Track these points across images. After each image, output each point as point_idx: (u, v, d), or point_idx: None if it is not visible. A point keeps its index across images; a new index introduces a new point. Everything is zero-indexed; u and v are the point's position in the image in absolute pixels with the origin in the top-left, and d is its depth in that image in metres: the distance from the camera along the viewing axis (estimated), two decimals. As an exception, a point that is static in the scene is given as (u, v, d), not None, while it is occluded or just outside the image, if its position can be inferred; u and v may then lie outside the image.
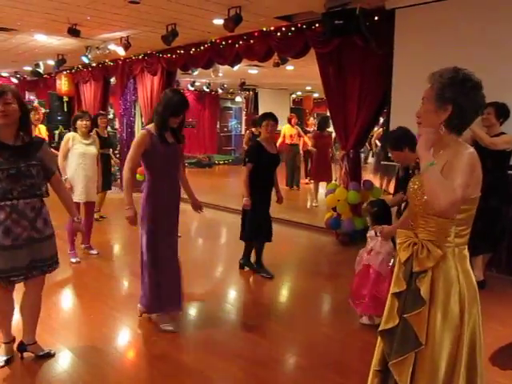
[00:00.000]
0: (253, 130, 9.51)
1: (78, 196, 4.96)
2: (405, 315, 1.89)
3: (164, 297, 3.42)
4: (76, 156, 4.98)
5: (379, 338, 2.06)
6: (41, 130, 6.56)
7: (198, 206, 3.76)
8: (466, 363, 1.85)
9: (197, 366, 3.01)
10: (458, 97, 1.79)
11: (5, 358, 2.88)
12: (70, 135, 5.09)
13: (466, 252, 1.91)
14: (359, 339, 3.39)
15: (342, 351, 3.26)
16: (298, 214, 7.47)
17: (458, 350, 1.85)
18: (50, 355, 2.99)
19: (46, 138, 6.71)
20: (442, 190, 1.70)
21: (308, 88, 16.19)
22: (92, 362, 3.02)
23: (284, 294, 4.52)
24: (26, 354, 2.97)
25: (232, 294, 4.45)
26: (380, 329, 2.03)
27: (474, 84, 1.81)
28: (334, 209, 5.89)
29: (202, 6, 5.56)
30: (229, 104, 19.08)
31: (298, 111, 16.80)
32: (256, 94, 16.14)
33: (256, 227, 4.56)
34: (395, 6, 4.95)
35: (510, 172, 4.03)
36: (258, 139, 4.62)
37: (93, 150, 5.11)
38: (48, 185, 2.83)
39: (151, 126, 3.28)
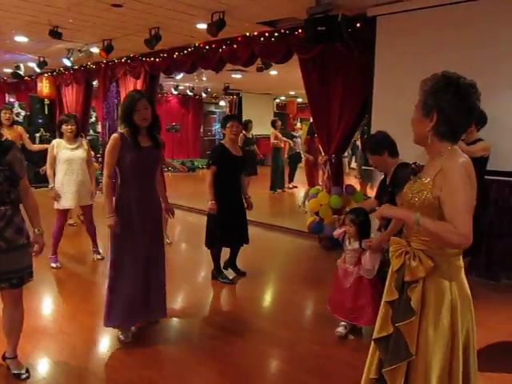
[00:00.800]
0: (244, 133, 9.47)
1: (68, 202, 4.92)
2: (396, 324, 1.88)
3: (134, 304, 3.28)
4: (62, 162, 4.88)
5: (372, 346, 2.05)
6: (18, 130, 6.43)
7: (169, 210, 3.68)
8: (462, 374, 1.84)
9: (178, 370, 2.99)
10: (440, 103, 1.76)
11: None
12: (54, 142, 5.02)
13: (461, 262, 1.89)
14: (342, 343, 3.41)
15: (324, 355, 3.26)
16: (281, 218, 7.50)
17: (452, 361, 1.83)
18: (19, 377, 2.79)
19: (26, 138, 6.57)
20: (450, 235, 1.69)
21: (292, 93, 16.29)
22: (72, 369, 2.97)
23: (265, 297, 4.52)
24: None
25: (211, 299, 4.42)
26: (374, 337, 2.02)
27: (458, 89, 1.75)
28: (317, 213, 5.93)
29: (185, 11, 5.55)
30: (213, 108, 19.08)
31: (282, 116, 16.89)
32: (240, 99, 16.16)
33: (223, 233, 4.44)
34: (376, 14, 5.02)
35: (486, 177, 4.09)
36: (222, 142, 4.57)
37: (80, 153, 4.99)
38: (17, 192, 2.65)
39: (124, 130, 3.20)
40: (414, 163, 2.02)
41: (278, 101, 18.50)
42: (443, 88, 1.76)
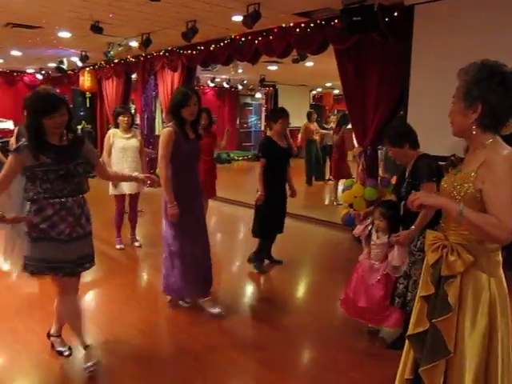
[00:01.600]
0: (170, 124, 9.41)
1: (123, 188, 5.20)
2: (433, 320, 1.83)
3: (195, 282, 3.60)
4: (117, 151, 5.21)
5: (407, 344, 1.99)
6: None
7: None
8: (500, 377, 1.78)
9: (210, 356, 3.09)
10: (487, 94, 1.68)
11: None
12: (110, 132, 5.37)
13: (500, 258, 1.82)
14: (374, 337, 3.41)
15: (354, 343, 3.29)
16: (316, 211, 7.49)
17: (489, 360, 1.78)
18: (62, 353, 2.98)
19: None
20: (493, 229, 1.63)
21: (328, 84, 16.11)
22: (114, 352, 3.11)
23: (297, 287, 4.57)
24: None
25: (246, 288, 4.51)
26: (409, 333, 1.96)
27: (503, 78, 1.68)
28: (351, 205, 5.89)
29: (221, 3, 5.62)
30: (249, 100, 19.10)
31: (318, 108, 16.74)
32: (276, 91, 16.12)
33: (270, 222, 4.61)
34: (414, 2, 4.92)
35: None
36: (269, 135, 4.67)
37: (133, 143, 5.29)
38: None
39: (172, 124, 3.42)
40: (453, 155, 1.98)
41: (314, 92, 18.32)
42: (488, 78, 1.68)
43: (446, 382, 1.82)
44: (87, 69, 11.14)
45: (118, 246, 5.37)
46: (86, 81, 11.20)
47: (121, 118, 5.25)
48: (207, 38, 7.60)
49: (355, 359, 3.09)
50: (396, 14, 5.14)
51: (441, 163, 3.24)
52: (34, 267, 2.69)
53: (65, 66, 10.38)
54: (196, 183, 3.62)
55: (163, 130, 3.51)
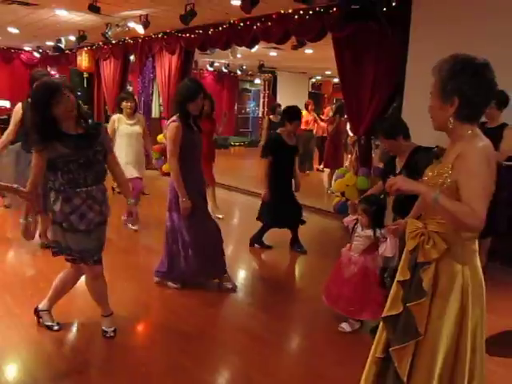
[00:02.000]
0: (271, 117, 9.43)
1: (132, 171, 5.11)
2: (408, 304, 1.90)
3: (212, 267, 3.80)
4: (123, 137, 5.20)
5: (381, 325, 2.07)
6: None
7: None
8: (468, 363, 1.84)
9: (201, 335, 3.15)
10: (462, 87, 1.73)
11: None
12: (115, 117, 5.33)
13: (476, 247, 1.87)
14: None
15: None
16: (308, 199, 7.53)
17: (459, 344, 1.84)
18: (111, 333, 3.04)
19: None
20: (465, 217, 1.68)
21: (328, 73, 16.04)
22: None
23: (290, 272, 4.70)
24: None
25: (242, 273, 4.56)
26: (383, 315, 2.03)
27: (475, 69, 1.73)
28: (343, 194, 5.94)
29: (220, -13, 5.59)
30: (247, 86, 19.06)
31: (317, 96, 16.71)
32: (275, 77, 16.06)
33: (277, 216, 4.71)
34: (413, -8, 4.91)
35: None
36: (279, 131, 4.70)
37: (137, 129, 5.32)
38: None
39: (176, 117, 3.46)
40: (437, 146, 2.02)
41: (313, 80, 18.27)
42: (460, 71, 1.73)
43: (413, 362, 1.90)
44: (85, 49, 11.06)
45: (133, 227, 5.31)
46: (83, 61, 11.14)
47: (124, 103, 5.23)
48: (206, 22, 7.56)
49: (340, 343, 3.16)
50: (394, 3, 5.13)
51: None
52: (63, 253, 2.80)
53: (62, 45, 10.30)
54: (201, 173, 3.74)
55: (170, 125, 3.49)
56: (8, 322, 3.16)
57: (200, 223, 3.64)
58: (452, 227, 1.81)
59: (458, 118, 1.78)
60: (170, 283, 3.84)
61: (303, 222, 4.92)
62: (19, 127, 4.29)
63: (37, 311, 3.09)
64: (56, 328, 3.05)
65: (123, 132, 5.19)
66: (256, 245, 5.02)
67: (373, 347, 2.12)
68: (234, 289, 3.85)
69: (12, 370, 2.70)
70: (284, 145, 4.59)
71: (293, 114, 4.71)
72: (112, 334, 3.01)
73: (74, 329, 3.17)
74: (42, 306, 3.07)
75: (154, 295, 3.79)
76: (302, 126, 10.08)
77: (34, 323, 3.09)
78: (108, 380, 2.65)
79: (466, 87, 1.73)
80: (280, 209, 4.68)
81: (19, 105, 4.37)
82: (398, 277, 2.01)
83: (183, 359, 2.86)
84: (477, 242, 1.89)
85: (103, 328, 3.04)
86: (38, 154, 2.59)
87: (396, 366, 1.89)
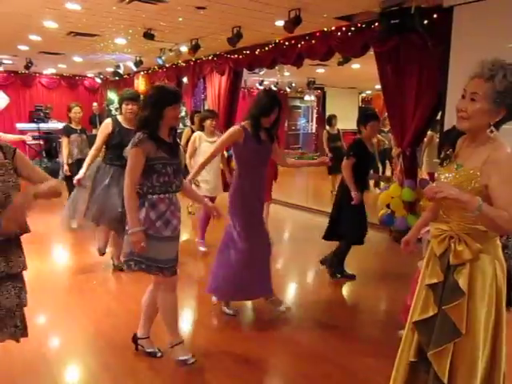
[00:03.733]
0: (327, 129, 9.42)
1: (209, 191, 5.16)
2: (444, 307, 1.92)
3: (257, 284, 3.65)
4: (203, 155, 5.06)
5: (407, 331, 2.10)
6: None
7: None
8: (504, 357, 1.91)
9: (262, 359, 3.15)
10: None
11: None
12: (196, 135, 5.34)
13: (499, 241, 1.95)
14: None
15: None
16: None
17: (496, 340, 1.90)
18: (155, 355, 3.03)
19: None
20: (505, 224, 1.74)
21: (377, 87, 15.89)
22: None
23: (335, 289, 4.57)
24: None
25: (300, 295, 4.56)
26: (415, 319, 2.06)
27: None
28: (388, 206, 5.95)
29: (263, 10, 5.85)
30: (297, 103, 19.28)
31: (365, 110, 16.56)
32: (324, 94, 16.18)
33: (363, 230, 4.53)
34: (454, 3, 4.93)
35: None
36: (360, 137, 4.52)
37: None
38: None
39: (246, 123, 3.43)
40: (448, 149, 2.06)
41: (363, 95, 18.21)
42: None
43: (452, 365, 1.91)
44: (141, 73, 11.76)
45: (201, 249, 5.33)
46: (140, 84, 11.82)
47: (208, 121, 5.29)
48: (253, 43, 7.87)
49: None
50: (435, 15, 5.17)
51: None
52: (140, 264, 2.71)
53: (121, 71, 11.03)
54: (263, 184, 3.66)
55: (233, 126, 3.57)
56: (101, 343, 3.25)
57: (254, 236, 3.55)
58: (480, 227, 1.86)
59: (496, 126, 1.85)
60: (225, 309, 3.75)
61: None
62: (107, 142, 4.37)
63: (135, 339, 3.07)
64: (159, 355, 3.02)
65: (203, 149, 5.10)
66: (338, 275, 4.63)
67: (399, 352, 2.14)
68: (285, 311, 3.74)
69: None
70: (366, 149, 4.47)
71: (364, 117, 4.54)
72: (193, 361, 2.91)
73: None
74: (141, 333, 3.05)
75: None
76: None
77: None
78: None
79: None
80: (364, 222, 4.50)
81: (108, 120, 4.44)
82: (429, 280, 2.03)
83: None
84: (498, 238, 1.95)
85: (180, 358, 2.92)
86: (141, 150, 2.62)
87: (436, 368, 1.92)
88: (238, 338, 3.39)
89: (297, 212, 8.20)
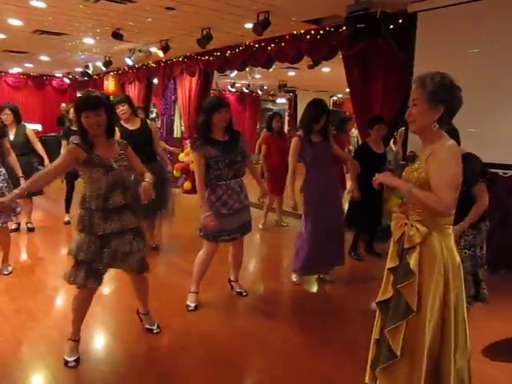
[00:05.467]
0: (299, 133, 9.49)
1: None
2: (397, 286, 2.13)
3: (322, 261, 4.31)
4: None
5: (378, 310, 2.31)
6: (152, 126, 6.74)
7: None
8: (453, 334, 2.07)
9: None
10: (449, 98, 2.04)
11: None
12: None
13: (450, 231, 2.14)
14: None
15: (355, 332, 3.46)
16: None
17: (444, 319, 2.08)
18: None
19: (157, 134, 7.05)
20: (433, 203, 2.00)
21: (348, 90, 16.20)
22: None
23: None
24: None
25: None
26: (377, 300, 2.29)
27: (457, 85, 2.06)
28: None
29: (232, 12, 5.88)
30: (270, 105, 19.38)
31: (339, 114, 16.84)
32: (295, 96, 16.33)
33: (361, 216, 5.01)
34: (417, 10, 5.07)
35: None
36: (366, 141, 5.01)
37: None
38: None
39: (300, 132, 4.16)
40: (411, 151, 2.26)
41: (334, 98, 18.46)
42: (450, 84, 2.05)
43: (405, 340, 2.10)
44: (111, 73, 11.61)
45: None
46: (110, 85, 11.67)
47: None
48: (223, 45, 7.89)
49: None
50: (400, 21, 5.30)
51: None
52: (203, 234, 3.62)
53: (90, 71, 10.86)
54: (327, 178, 4.21)
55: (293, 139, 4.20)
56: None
57: (319, 222, 4.14)
58: (429, 215, 2.08)
59: (439, 122, 2.07)
60: (293, 277, 4.44)
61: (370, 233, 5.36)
62: None
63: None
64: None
65: None
66: (354, 255, 5.26)
67: (373, 330, 2.34)
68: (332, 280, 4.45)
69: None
70: (371, 152, 4.85)
71: (370, 121, 5.05)
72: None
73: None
74: (193, 288, 3.79)
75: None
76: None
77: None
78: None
79: (452, 98, 2.05)
80: (370, 213, 4.98)
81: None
82: (388, 264, 2.26)
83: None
84: (451, 228, 2.15)
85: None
86: (201, 156, 3.44)
87: (390, 343, 2.11)
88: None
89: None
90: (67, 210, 6.44)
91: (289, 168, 4.19)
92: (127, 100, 4.79)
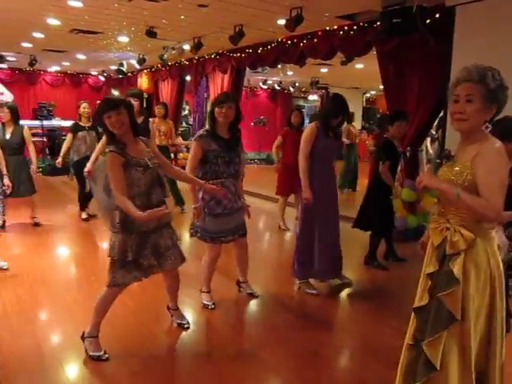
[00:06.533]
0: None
1: None
2: (439, 294, 2.00)
3: (313, 266, 4.05)
4: None
5: (413, 315, 2.21)
6: (169, 124, 6.86)
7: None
8: (499, 344, 1.98)
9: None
10: (503, 98, 1.95)
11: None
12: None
13: (494, 234, 2.03)
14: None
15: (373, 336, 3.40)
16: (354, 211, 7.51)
17: (490, 330, 1.98)
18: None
19: (173, 132, 7.04)
20: (483, 209, 1.87)
21: (381, 87, 15.90)
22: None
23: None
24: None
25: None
26: (414, 306, 2.18)
27: (506, 84, 1.96)
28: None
29: (265, 8, 5.85)
30: (301, 102, 19.24)
31: (371, 111, 16.60)
32: (328, 93, 16.15)
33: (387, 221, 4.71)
34: (456, 3, 4.90)
35: None
36: (387, 136, 4.75)
37: None
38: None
39: (317, 122, 3.96)
40: (446, 149, 2.15)
41: (367, 95, 18.17)
42: (501, 83, 1.94)
43: (447, 349, 1.98)
44: (145, 71, 11.77)
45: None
46: (143, 82, 11.84)
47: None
48: (255, 41, 7.87)
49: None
50: (437, 15, 5.14)
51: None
52: (197, 233, 3.54)
53: (124, 69, 11.05)
54: (332, 174, 4.11)
55: (307, 126, 4.04)
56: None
57: (317, 219, 3.99)
58: (473, 219, 1.97)
59: (489, 122, 1.99)
60: (307, 290, 4.14)
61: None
62: None
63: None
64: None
65: None
66: (376, 265, 4.89)
67: (407, 334, 2.23)
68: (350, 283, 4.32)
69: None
70: (394, 148, 4.68)
71: (394, 114, 4.89)
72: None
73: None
74: (204, 288, 3.75)
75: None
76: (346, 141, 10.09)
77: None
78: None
79: (505, 97, 1.95)
80: (390, 216, 4.65)
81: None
82: (427, 269, 2.13)
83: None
84: (494, 231, 2.04)
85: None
86: (199, 144, 3.37)
87: (429, 356, 1.99)
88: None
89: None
90: (83, 208, 6.41)
91: (300, 156, 3.92)
92: (140, 96, 4.97)
